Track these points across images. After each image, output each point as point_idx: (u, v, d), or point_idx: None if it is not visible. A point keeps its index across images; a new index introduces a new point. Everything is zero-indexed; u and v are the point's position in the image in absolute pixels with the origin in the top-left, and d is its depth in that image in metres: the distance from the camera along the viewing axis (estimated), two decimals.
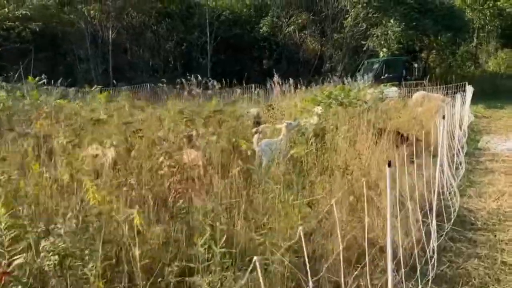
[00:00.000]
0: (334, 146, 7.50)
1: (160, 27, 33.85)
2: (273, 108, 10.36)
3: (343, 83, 20.06)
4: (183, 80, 18.70)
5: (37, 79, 17.48)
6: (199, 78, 18.83)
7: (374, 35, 26.64)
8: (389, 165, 3.62)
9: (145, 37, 33.50)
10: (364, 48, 27.76)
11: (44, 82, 17.45)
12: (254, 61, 37.10)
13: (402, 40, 25.90)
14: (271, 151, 7.64)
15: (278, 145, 7.72)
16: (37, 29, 27.85)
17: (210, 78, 22.75)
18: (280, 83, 18.38)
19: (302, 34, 32.42)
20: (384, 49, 26.02)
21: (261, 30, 32.61)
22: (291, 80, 19.07)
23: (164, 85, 19.91)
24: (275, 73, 20.27)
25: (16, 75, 17.20)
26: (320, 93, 10.36)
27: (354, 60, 29.43)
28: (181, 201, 4.88)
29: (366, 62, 25.96)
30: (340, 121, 8.19)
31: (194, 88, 16.22)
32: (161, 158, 5.64)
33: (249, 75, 26.84)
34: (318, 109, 9.58)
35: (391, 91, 20.77)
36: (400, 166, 4.98)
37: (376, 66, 24.87)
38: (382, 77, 24.46)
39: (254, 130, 9.34)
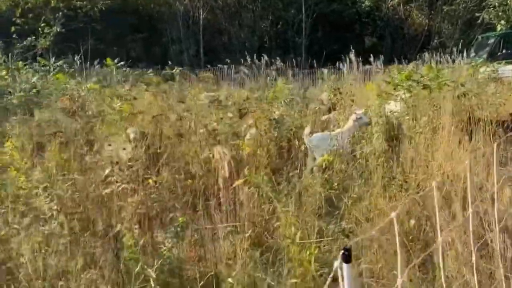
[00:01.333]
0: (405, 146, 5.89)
1: (255, 5, 32.80)
2: (340, 93, 8.81)
3: (453, 61, 17.62)
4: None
5: (116, 60, 17.06)
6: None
7: (491, 6, 23.32)
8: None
9: (241, 17, 32.57)
10: (479, 21, 24.53)
11: (123, 64, 16.91)
12: (355, 38, 34.73)
13: None
14: (325, 148, 6.19)
15: (337, 141, 6.26)
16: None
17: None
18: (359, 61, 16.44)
19: (408, 7, 29.57)
20: (502, 22, 22.84)
21: (363, 5, 30.19)
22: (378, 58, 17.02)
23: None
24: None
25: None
26: (398, 74, 8.58)
27: (467, 35, 26.24)
28: None
29: (480, 37, 22.95)
30: (420, 110, 6.51)
31: (242, 68, 15.14)
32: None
33: (349, 53, 24.74)
34: (401, 94, 7.91)
35: (507, 69, 17.90)
36: None
37: (491, 41, 21.80)
38: (499, 54, 21.05)
39: (324, 117, 7.91)
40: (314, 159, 6.56)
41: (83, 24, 28.39)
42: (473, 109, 7.87)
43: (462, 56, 18.20)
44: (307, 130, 6.64)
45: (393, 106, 8.25)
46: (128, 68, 18.51)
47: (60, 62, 14.76)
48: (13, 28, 22.30)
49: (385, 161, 5.53)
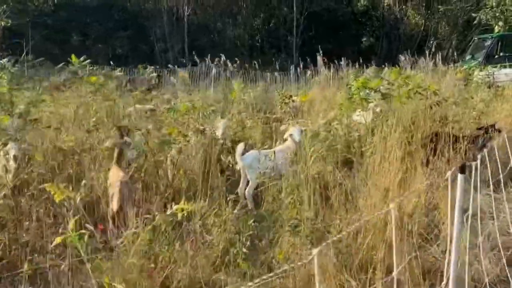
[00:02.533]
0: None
1: (247, 2, 31.70)
2: (293, 101, 7.79)
3: (449, 64, 16.67)
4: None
5: (81, 58, 15.95)
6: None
7: (488, 6, 22.21)
8: (462, 170, 2.93)
9: (231, 13, 31.48)
10: (475, 22, 23.47)
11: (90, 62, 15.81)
12: (350, 38, 33.73)
13: None
14: (260, 168, 5.18)
15: (276, 159, 5.23)
16: None
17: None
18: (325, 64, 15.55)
19: (404, 6, 28.52)
20: (500, 23, 21.74)
21: (359, 3, 29.12)
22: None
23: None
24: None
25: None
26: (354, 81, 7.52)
27: (464, 36, 25.17)
28: None
29: (476, 38, 21.86)
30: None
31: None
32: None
33: (343, 54, 23.68)
34: (371, 105, 6.96)
35: (502, 73, 16.88)
36: None
37: (488, 43, 20.75)
38: (496, 57, 19.95)
39: (283, 127, 6.84)
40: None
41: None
42: (443, 122, 6.81)
43: (453, 59, 17.17)
44: (240, 147, 5.61)
45: (361, 118, 7.18)
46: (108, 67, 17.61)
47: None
48: None
49: (313, 192, 4.48)
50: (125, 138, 5.29)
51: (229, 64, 19.05)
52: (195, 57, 22.03)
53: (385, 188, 4.56)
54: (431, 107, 7.25)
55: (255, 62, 21.14)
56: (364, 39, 35.20)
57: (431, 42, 27.66)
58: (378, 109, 7.27)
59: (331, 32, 32.99)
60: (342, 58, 20.68)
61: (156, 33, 29.81)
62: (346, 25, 33.82)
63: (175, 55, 28.30)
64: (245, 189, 5.77)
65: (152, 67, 19.65)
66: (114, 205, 4.36)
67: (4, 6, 23.83)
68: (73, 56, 15.88)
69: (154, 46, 30.01)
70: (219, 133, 6.45)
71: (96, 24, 30.73)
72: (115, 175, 4.66)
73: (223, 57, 18.36)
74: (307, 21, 31.66)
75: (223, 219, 4.26)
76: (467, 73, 16.04)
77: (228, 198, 4.63)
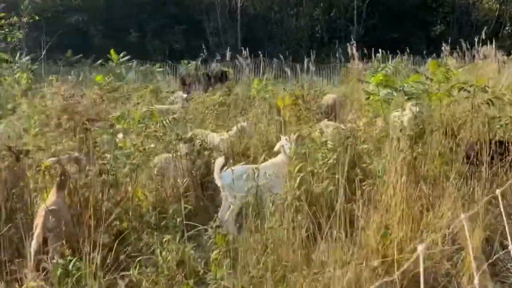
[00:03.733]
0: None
1: None
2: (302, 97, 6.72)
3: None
4: None
5: (121, 55, 15.56)
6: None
7: None
8: None
9: (288, 3, 30.31)
10: None
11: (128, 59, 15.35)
12: (418, 27, 31.67)
13: None
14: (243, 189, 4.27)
15: (262, 176, 4.31)
16: None
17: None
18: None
19: None
20: None
21: None
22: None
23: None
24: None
25: None
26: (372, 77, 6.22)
27: None
28: None
29: None
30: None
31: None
32: None
33: (410, 43, 22.01)
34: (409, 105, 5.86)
35: None
36: None
37: None
38: None
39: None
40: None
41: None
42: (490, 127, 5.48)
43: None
44: (218, 162, 4.64)
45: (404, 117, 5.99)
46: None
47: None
48: None
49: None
50: (75, 154, 4.49)
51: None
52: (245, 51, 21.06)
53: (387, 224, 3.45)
54: (478, 107, 5.93)
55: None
56: (434, 27, 32.87)
57: (506, 28, 25.20)
58: (415, 109, 6.03)
59: (397, 19, 31.11)
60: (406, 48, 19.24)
61: (209, 27, 29.30)
62: (414, 11, 31.74)
63: (228, 49, 27.64)
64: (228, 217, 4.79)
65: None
66: (34, 238, 3.59)
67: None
68: (112, 51, 15.59)
69: (208, 41, 29.54)
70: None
71: (151, 19, 30.67)
72: (48, 201, 3.87)
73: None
74: (370, 9, 30.00)
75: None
76: None
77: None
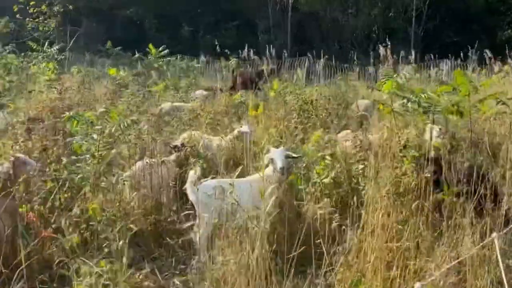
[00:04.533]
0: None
1: None
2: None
3: None
4: None
5: (160, 48, 15.49)
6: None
7: None
8: None
9: (346, 2, 29.31)
10: None
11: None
12: (484, 31, 29.95)
13: None
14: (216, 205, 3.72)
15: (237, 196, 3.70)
16: None
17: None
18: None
19: None
20: None
21: None
22: None
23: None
24: None
25: None
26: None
27: None
28: None
29: None
30: None
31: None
32: None
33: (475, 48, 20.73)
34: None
35: None
36: None
37: None
38: None
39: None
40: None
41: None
42: None
43: None
44: (191, 175, 4.06)
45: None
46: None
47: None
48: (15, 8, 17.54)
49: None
50: (20, 155, 4.02)
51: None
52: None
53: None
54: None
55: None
56: (501, 31, 30.87)
57: None
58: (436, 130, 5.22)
59: (461, 22, 29.43)
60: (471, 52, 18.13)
61: (260, 24, 28.80)
62: (479, 14, 29.92)
63: (278, 46, 26.99)
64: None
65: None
66: None
67: None
68: (150, 45, 15.37)
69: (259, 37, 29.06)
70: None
71: (204, 14, 30.53)
72: None
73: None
74: (431, 10, 28.51)
75: None
76: None
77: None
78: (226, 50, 15.97)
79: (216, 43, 15.64)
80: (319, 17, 30.64)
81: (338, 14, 31.05)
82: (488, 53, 15.79)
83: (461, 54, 18.91)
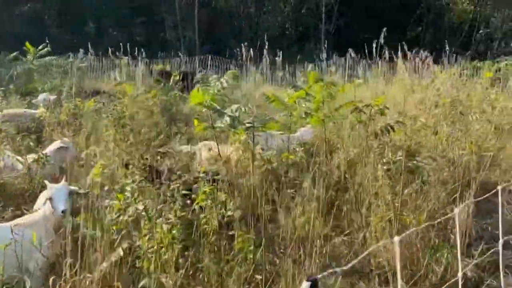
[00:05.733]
0: None
1: None
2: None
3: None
4: None
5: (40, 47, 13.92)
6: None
7: None
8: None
9: None
10: None
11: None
12: (395, 28, 30.06)
13: None
14: None
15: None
16: None
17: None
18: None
19: None
20: None
21: None
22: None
23: None
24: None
25: None
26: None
27: None
28: None
29: None
30: None
31: None
32: None
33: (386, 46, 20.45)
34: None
35: None
36: None
37: None
38: None
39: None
40: None
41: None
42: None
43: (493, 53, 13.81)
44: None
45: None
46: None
47: None
48: None
49: None
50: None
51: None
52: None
53: None
54: (376, 136, 4.34)
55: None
56: (410, 28, 31.49)
57: (480, 32, 23.80)
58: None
59: (371, 19, 29.60)
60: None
61: (167, 20, 27.52)
62: (389, 11, 30.24)
63: (186, 44, 25.87)
64: None
65: None
66: None
67: None
68: (27, 43, 13.83)
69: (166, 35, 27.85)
70: None
71: (110, 10, 28.82)
72: None
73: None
74: (342, 7, 28.48)
75: None
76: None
77: None
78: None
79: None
80: (232, 14, 29.79)
81: (252, 11, 30.39)
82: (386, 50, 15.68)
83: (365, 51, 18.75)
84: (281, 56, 18.50)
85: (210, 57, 20.73)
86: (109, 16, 28.84)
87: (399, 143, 4.68)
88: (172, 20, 27.51)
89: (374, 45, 17.27)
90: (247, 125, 4.01)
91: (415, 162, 4.29)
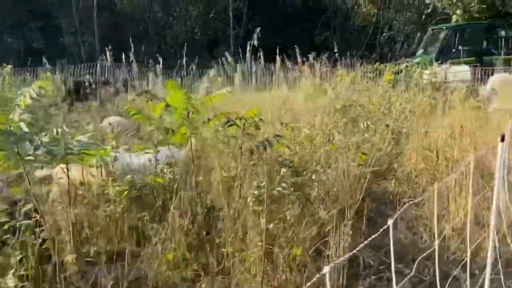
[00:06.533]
0: None
1: None
2: None
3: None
4: None
5: None
6: None
7: None
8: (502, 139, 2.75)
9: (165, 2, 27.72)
10: (429, 10, 20.08)
11: None
12: (304, 32, 30.51)
13: None
14: None
15: None
16: None
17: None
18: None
19: None
20: (459, 11, 18.29)
21: None
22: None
23: None
24: None
25: None
26: None
27: (421, 27, 21.93)
28: None
29: (431, 30, 18.46)
30: None
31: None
32: None
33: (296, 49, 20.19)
34: None
35: (462, 71, 14.62)
36: None
37: (442, 35, 17.27)
38: (454, 51, 17.96)
39: None
40: None
41: None
42: None
43: (396, 56, 13.92)
44: None
45: None
46: None
47: None
48: None
49: None
50: None
51: None
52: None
53: None
54: (252, 152, 3.73)
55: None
56: (318, 32, 31.84)
57: (384, 34, 24.38)
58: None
59: (280, 24, 29.56)
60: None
61: (64, 24, 25.73)
62: (298, 15, 30.40)
63: (87, 50, 24.26)
64: None
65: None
66: None
67: None
68: None
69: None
70: None
71: (5, 15, 26.62)
72: None
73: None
74: (251, 11, 28.15)
75: None
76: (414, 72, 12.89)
77: None
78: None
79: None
80: (136, 18, 28.44)
81: (159, 15, 29.27)
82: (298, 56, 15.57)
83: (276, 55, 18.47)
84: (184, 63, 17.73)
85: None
86: (4, 21, 26.62)
87: (282, 158, 4.13)
88: (70, 24, 25.69)
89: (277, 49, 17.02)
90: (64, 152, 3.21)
91: (295, 180, 3.74)
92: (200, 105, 3.69)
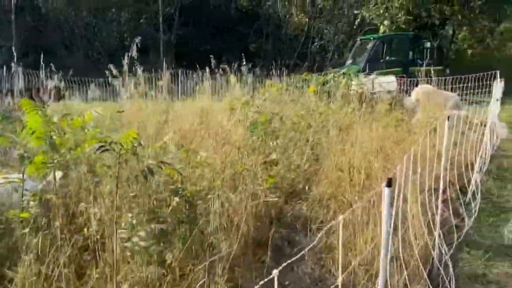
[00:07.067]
0: None
1: None
2: None
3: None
4: None
5: None
6: None
7: (371, 2, 18.99)
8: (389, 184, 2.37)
9: (94, 8, 26.53)
10: (358, 21, 20.24)
11: None
12: (237, 39, 30.13)
13: (411, 8, 18.11)
14: None
15: None
16: None
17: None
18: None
19: (287, 3, 25.05)
20: (386, 22, 18.47)
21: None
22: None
23: None
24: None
25: None
26: None
27: (352, 36, 22.11)
28: None
29: (359, 40, 18.49)
30: None
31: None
32: None
33: (231, 58, 19.57)
34: None
35: (388, 81, 14.21)
36: None
37: (370, 45, 17.30)
38: (382, 61, 18.41)
39: None
40: None
41: None
42: None
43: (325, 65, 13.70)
44: None
45: None
46: None
47: None
48: None
49: None
50: None
51: None
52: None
53: None
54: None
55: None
56: (250, 39, 31.61)
57: (315, 43, 24.40)
58: None
59: (212, 30, 29.05)
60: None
61: None
62: (230, 22, 30.02)
63: (2, 56, 22.60)
64: None
65: None
66: None
67: None
68: None
69: None
70: None
71: None
72: None
73: None
74: (182, 17, 27.49)
75: None
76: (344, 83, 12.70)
77: None
78: None
79: None
80: (60, 21, 26.96)
81: (87, 19, 27.95)
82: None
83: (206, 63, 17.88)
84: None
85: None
86: None
87: (174, 186, 3.61)
88: None
89: (212, 57, 16.45)
90: None
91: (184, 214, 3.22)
92: (69, 127, 3.09)
